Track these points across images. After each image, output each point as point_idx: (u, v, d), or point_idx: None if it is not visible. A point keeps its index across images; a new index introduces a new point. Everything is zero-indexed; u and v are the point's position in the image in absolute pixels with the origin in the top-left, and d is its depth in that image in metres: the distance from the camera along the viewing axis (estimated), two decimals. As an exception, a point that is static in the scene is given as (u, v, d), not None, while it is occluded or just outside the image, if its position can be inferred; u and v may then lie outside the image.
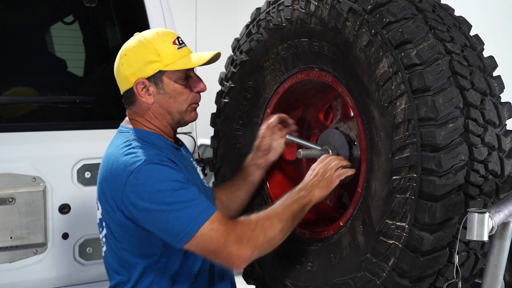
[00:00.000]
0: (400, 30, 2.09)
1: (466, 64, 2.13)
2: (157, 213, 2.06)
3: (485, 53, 2.27)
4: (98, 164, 2.96)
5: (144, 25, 3.20)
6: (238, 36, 2.79)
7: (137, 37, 2.26)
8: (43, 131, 2.97)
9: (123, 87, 2.27)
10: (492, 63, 2.24)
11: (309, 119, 2.80)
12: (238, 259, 2.07)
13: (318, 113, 2.78)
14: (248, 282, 2.82)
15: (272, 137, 2.57)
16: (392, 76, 2.09)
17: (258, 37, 2.62)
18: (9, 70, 3.10)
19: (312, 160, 2.75)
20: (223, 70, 2.88)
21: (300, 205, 2.21)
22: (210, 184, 5.08)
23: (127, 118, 2.33)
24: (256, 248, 2.10)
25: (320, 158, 2.35)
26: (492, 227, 1.91)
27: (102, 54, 3.38)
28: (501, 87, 2.22)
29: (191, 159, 2.47)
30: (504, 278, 2.04)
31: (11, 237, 2.81)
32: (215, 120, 2.92)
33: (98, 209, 2.30)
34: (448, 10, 2.30)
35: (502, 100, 2.21)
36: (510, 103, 2.23)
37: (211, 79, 3.67)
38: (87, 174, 2.96)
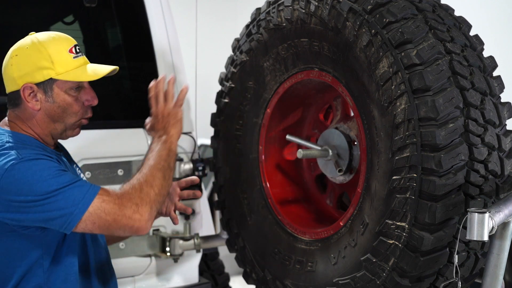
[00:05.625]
0: (400, 30, 2.09)
1: (466, 64, 2.13)
2: (42, 203, 2.00)
3: (485, 53, 2.27)
4: (99, 164, 2.97)
5: (144, 25, 3.20)
6: (238, 36, 2.79)
7: (31, 38, 2.15)
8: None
9: (9, 88, 2.16)
10: (492, 63, 2.24)
11: (309, 119, 2.80)
12: (140, 221, 2.06)
13: (318, 113, 2.78)
14: (248, 282, 2.82)
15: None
16: (392, 76, 2.09)
17: (258, 37, 2.62)
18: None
19: (312, 160, 2.75)
20: (223, 70, 2.88)
21: (166, 148, 2.21)
22: (210, 184, 5.10)
23: (6, 119, 2.21)
24: (152, 204, 2.09)
25: (151, 102, 2.29)
26: (492, 227, 1.91)
27: (102, 54, 3.38)
28: (501, 87, 2.22)
29: (74, 165, 2.36)
30: (504, 278, 2.04)
31: None
32: (215, 120, 2.92)
33: None
34: (448, 10, 2.30)
35: (502, 100, 2.21)
36: (510, 103, 2.23)
37: (211, 79, 3.68)
38: (88, 174, 2.97)
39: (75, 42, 2.18)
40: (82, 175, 2.39)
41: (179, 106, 2.28)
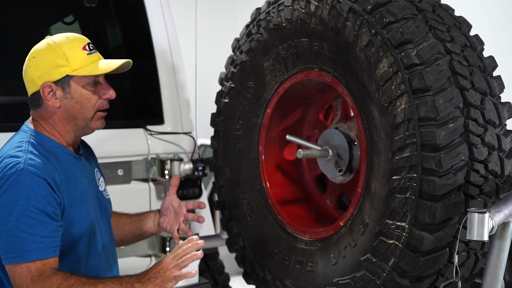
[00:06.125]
0: (400, 30, 2.09)
1: (466, 64, 2.13)
2: (2, 224, 2.06)
3: (485, 53, 2.27)
4: (99, 164, 2.97)
5: (144, 25, 3.20)
6: (238, 36, 2.79)
7: (47, 40, 2.23)
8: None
9: (30, 89, 2.24)
10: (492, 63, 2.24)
11: (309, 119, 2.80)
12: None
13: (318, 113, 2.78)
14: (248, 282, 2.82)
15: (174, 216, 2.57)
16: (392, 76, 2.09)
17: (258, 37, 2.62)
18: (9, 70, 3.10)
19: (312, 160, 2.75)
20: (223, 70, 2.88)
21: None
22: (210, 184, 5.09)
23: (31, 118, 2.29)
24: None
25: (176, 247, 2.22)
26: (492, 227, 1.91)
27: (102, 54, 3.38)
28: (501, 87, 2.22)
29: (96, 169, 2.42)
30: (504, 278, 2.04)
31: None
32: (215, 120, 2.92)
33: None
34: (448, 10, 2.30)
35: (502, 100, 2.21)
36: (510, 103, 2.23)
37: (211, 79, 3.67)
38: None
39: (88, 41, 2.26)
40: (101, 179, 2.42)
41: (176, 280, 2.17)
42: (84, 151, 2.38)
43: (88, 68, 2.20)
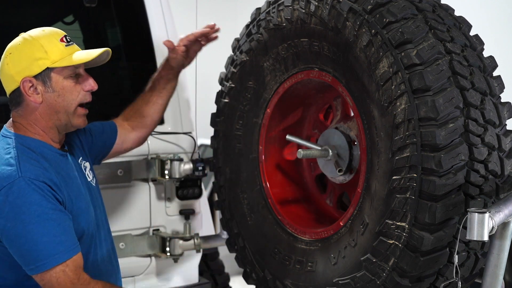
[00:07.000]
0: (400, 30, 2.09)
1: (466, 64, 2.13)
2: (18, 236, 2.01)
3: (485, 53, 2.27)
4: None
5: (144, 25, 3.20)
6: (238, 36, 2.79)
7: (23, 35, 2.18)
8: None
9: (9, 87, 2.17)
10: (492, 63, 2.24)
11: (309, 119, 2.80)
12: None
13: (318, 113, 2.78)
14: (248, 282, 2.82)
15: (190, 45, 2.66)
16: (392, 76, 2.09)
17: (258, 37, 2.62)
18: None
19: (312, 160, 2.75)
20: (223, 70, 2.88)
21: None
22: (210, 184, 5.09)
23: (10, 120, 2.22)
24: None
25: None
26: (492, 227, 1.91)
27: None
28: (501, 87, 2.22)
29: (80, 158, 2.36)
30: (504, 278, 2.04)
31: None
32: (215, 120, 2.92)
33: None
34: (448, 10, 2.30)
35: (502, 100, 2.21)
36: (510, 103, 2.23)
37: (211, 79, 3.67)
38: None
39: (64, 33, 2.21)
40: (87, 166, 2.38)
41: None
42: (69, 143, 2.33)
43: (68, 59, 2.15)
